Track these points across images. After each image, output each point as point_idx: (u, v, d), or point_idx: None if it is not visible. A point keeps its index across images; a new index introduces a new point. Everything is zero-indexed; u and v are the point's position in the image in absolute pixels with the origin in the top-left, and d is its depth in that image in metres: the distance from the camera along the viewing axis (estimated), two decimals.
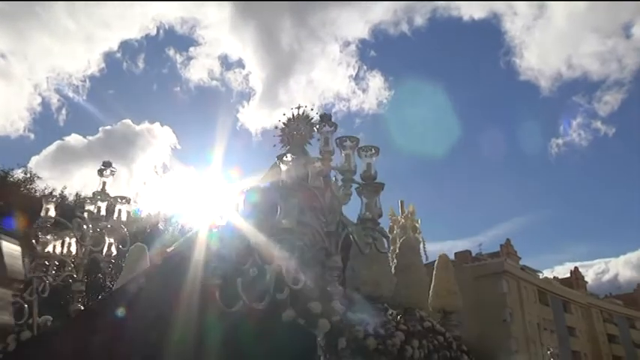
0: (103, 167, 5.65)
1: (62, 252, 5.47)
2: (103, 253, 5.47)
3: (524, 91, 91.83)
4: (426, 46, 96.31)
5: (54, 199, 5.55)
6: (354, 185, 4.65)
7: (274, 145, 7.13)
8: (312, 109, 6.82)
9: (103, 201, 5.41)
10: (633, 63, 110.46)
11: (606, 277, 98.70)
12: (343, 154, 4.65)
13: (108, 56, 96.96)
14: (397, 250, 6.10)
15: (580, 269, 66.14)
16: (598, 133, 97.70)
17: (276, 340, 4.02)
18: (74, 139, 73.20)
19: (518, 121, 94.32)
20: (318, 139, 6.21)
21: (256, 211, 4.90)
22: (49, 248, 5.17)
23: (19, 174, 22.35)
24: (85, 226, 5.44)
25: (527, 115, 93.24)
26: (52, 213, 5.45)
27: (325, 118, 5.03)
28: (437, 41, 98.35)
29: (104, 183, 5.62)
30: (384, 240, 4.95)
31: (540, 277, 56.25)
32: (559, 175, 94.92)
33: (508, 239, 56.83)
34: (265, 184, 6.85)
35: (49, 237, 5.11)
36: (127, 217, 5.67)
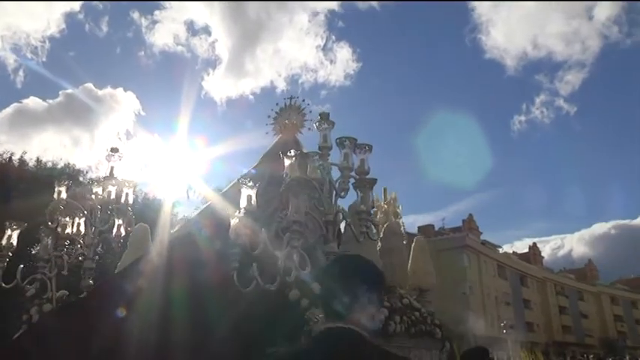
0: (111, 153, 6.01)
1: (72, 231, 5.86)
2: (113, 234, 5.89)
3: (489, 68, 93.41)
4: (394, 20, 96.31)
5: (66, 182, 5.92)
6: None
7: (267, 133, 7.60)
8: (296, 97, 7.32)
9: (113, 186, 5.78)
10: (595, 45, 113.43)
11: (561, 252, 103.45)
12: (342, 153, 5.14)
13: (69, 17, 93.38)
14: (381, 235, 6.68)
15: (538, 245, 69.34)
16: (560, 112, 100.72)
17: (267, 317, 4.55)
18: (33, 101, 70.69)
19: (481, 99, 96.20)
20: (310, 128, 6.71)
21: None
22: (66, 229, 5.56)
23: None
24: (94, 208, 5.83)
25: (491, 93, 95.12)
26: (64, 195, 5.81)
27: (324, 116, 5.51)
28: (404, 16, 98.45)
29: (112, 168, 5.99)
30: (374, 228, 5.53)
31: (500, 252, 58.55)
32: (521, 152, 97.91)
33: (470, 214, 58.88)
34: (252, 170, 7.32)
35: (67, 219, 5.48)
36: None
